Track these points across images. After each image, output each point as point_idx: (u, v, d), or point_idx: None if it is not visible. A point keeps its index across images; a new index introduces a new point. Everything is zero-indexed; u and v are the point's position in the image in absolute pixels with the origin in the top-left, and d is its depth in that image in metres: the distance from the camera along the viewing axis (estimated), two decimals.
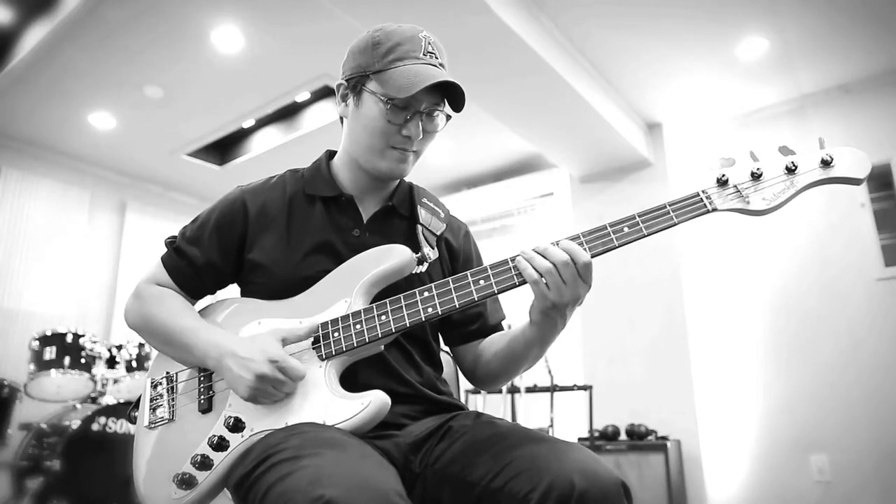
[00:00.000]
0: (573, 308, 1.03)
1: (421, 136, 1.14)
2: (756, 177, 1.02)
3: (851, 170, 1.00)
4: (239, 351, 1.02)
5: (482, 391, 4.00)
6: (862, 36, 3.65)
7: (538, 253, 0.99)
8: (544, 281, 0.98)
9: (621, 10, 3.40)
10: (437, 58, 1.14)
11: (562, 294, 0.99)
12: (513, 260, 1.02)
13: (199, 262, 1.19)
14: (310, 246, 1.16)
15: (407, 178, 1.30)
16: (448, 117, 1.18)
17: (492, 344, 1.23)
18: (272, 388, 1.00)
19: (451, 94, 1.14)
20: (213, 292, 1.26)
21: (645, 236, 1.01)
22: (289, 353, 1.03)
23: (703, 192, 1.03)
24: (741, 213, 1.03)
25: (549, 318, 1.04)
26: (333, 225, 1.19)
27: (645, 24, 3.53)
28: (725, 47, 3.75)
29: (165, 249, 1.24)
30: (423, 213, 1.25)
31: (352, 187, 1.22)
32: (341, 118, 1.23)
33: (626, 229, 1.01)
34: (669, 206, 1.02)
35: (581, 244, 1.01)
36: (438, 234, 1.25)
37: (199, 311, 1.21)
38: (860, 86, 4.08)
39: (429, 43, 1.14)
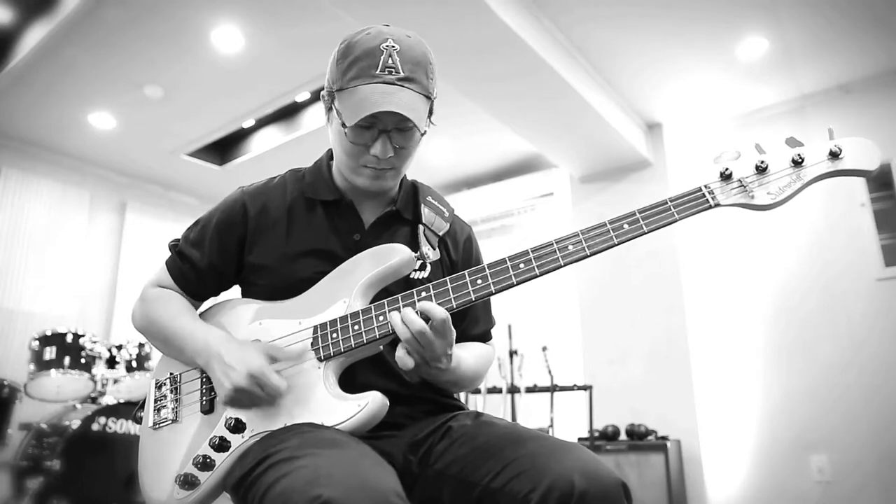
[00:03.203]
0: (443, 360, 1.04)
1: (391, 154, 1.09)
2: (761, 170, 0.99)
3: (860, 161, 0.96)
4: (225, 356, 1.03)
5: (482, 391, 4.00)
6: (862, 36, 3.65)
7: (401, 318, 1.00)
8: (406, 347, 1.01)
9: (622, 10, 3.40)
10: (396, 72, 1.05)
11: (422, 356, 1.01)
12: (506, 261, 1.02)
13: (200, 265, 1.19)
14: (309, 250, 1.16)
15: (410, 177, 1.29)
16: (423, 132, 1.11)
17: None
18: (247, 399, 1.02)
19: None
20: (215, 294, 1.26)
21: (645, 233, 0.99)
22: (284, 355, 1.05)
23: (705, 186, 1.00)
24: (745, 209, 1.00)
25: (423, 368, 1.05)
26: (334, 229, 1.18)
27: (645, 24, 3.53)
28: (725, 47, 3.75)
29: (169, 253, 1.24)
30: (426, 213, 1.23)
31: (351, 192, 1.21)
32: None
33: (626, 226, 1.00)
34: (671, 201, 1.00)
35: (580, 242, 1.01)
36: (441, 234, 1.24)
37: (202, 313, 1.22)
38: (860, 86, 4.08)
39: (389, 56, 1.05)
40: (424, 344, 1.00)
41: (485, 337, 1.30)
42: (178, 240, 1.25)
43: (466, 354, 1.15)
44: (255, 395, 1.00)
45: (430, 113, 1.14)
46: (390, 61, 1.05)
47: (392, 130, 1.08)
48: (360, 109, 1.03)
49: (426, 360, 1.02)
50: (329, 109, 1.14)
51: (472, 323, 1.26)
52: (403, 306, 1.04)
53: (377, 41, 1.07)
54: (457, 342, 1.23)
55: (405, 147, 1.11)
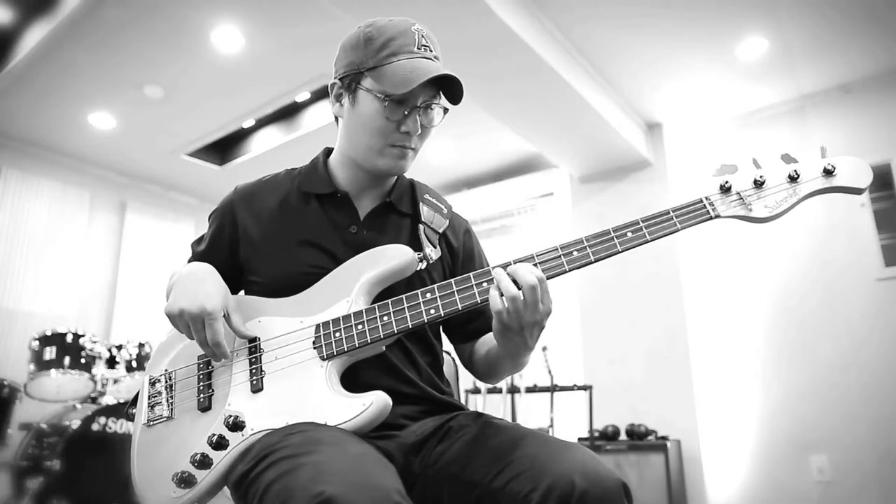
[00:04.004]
0: (536, 331, 1.01)
1: (419, 132, 1.13)
2: (759, 184, 1.03)
3: (853, 179, 1.01)
4: (189, 283, 1.07)
5: (482, 391, 4.00)
6: (862, 36, 3.65)
7: (509, 275, 0.98)
8: (507, 307, 0.97)
9: (622, 10, 3.41)
10: (431, 50, 1.13)
11: (520, 318, 0.98)
12: (511, 265, 1.02)
13: None
14: (305, 243, 1.16)
15: (408, 175, 1.29)
16: (445, 110, 1.16)
17: (483, 345, 1.23)
18: (183, 327, 1.06)
19: (446, 87, 1.13)
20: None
21: (648, 241, 1.02)
22: (283, 345, 1.06)
23: (706, 198, 1.04)
24: (743, 220, 1.04)
25: (510, 340, 1.03)
26: (330, 222, 1.19)
27: (645, 24, 3.53)
28: (725, 47, 3.75)
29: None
30: (425, 211, 1.24)
31: (348, 185, 1.21)
32: (336, 118, 1.22)
33: (629, 234, 1.02)
34: (672, 211, 1.03)
35: (584, 248, 1.02)
36: (441, 231, 1.24)
37: None
38: (860, 86, 4.08)
39: (422, 36, 1.12)
40: (529, 304, 0.96)
41: None
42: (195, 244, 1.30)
43: None
44: (197, 330, 1.04)
45: None
46: (424, 41, 1.13)
47: (421, 107, 1.11)
48: (413, 78, 1.06)
49: (520, 326, 0.99)
50: (352, 93, 1.14)
51: (484, 317, 1.26)
52: (409, 306, 1.04)
53: (406, 24, 1.13)
54: (472, 335, 1.25)
55: (429, 127, 1.16)
